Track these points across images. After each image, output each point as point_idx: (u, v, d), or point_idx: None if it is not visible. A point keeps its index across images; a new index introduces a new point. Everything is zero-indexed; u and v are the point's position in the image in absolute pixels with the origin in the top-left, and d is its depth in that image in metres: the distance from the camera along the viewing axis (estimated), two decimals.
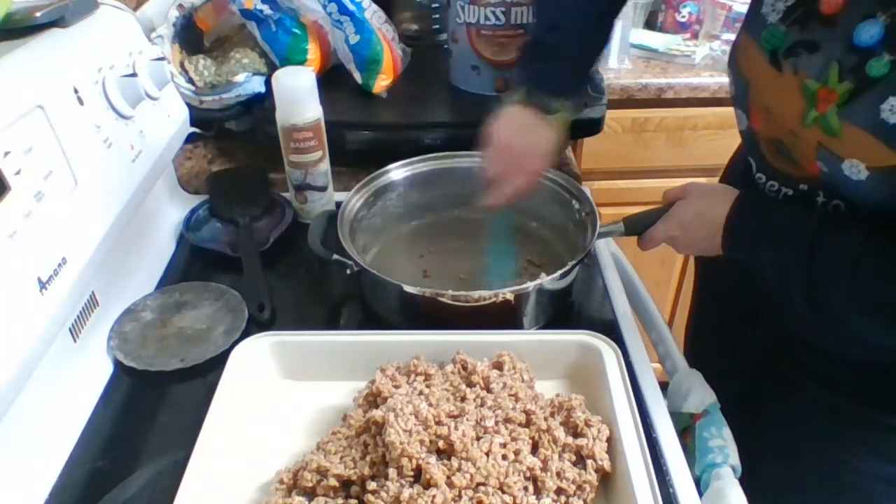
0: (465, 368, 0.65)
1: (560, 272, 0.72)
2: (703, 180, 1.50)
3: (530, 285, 0.71)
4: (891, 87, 0.54)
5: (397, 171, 0.88)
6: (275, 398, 0.67)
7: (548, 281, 0.72)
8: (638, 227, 0.76)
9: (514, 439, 0.58)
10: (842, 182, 0.60)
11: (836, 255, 0.60)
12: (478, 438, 0.57)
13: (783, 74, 0.63)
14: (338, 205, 0.96)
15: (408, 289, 0.71)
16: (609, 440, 0.59)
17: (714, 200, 0.69)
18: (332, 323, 0.81)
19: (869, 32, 0.56)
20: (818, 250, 0.61)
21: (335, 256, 0.76)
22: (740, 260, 0.69)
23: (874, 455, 0.73)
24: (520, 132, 0.76)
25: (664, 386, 0.71)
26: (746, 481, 0.62)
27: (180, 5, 0.97)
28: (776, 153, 0.68)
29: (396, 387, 0.63)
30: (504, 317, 0.72)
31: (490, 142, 0.77)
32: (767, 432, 0.80)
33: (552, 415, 0.61)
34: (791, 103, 0.62)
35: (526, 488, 0.55)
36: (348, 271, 0.75)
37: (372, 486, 0.54)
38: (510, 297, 0.70)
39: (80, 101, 0.66)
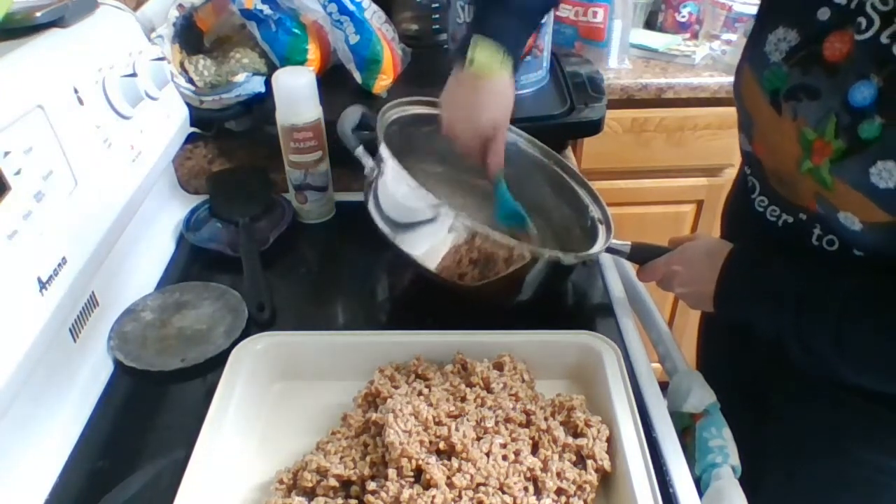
0: (464, 369, 0.65)
1: (581, 254, 0.72)
2: (702, 180, 1.51)
3: (547, 252, 0.69)
4: (881, 152, 0.53)
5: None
6: (275, 398, 0.67)
7: (565, 257, 0.70)
8: (642, 256, 0.77)
9: (514, 440, 0.58)
10: (838, 227, 0.60)
11: (822, 315, 0.61)
12: (478, 439, 0.57)
13: (782, 118, 0.62)
14: (338, 204, 0.97)
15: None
16: (609, 440, 0.59)
17: (723, 246, 0.70)
18: (332, 321, 0.81)
19: (863, 94, 0.54)
20: (806, 310, 0.61)
21: (360, 149, 0.75)
22: (732, 320, 0.71)
23: (878, 449, 0.72)
24: (476, 100, 0.75)
25: (664, 386, 0.71)
26: (748, 481, 0.62)
27: (180, 5, 0.97)
28: (778, 180, 0.68)
29: (395, 387, 0.63)
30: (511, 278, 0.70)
31: (447, 113, 0.77)
32: (772, 429, 0.80)
33: (552, 415, 0.61)
34: (788, 148, 0.62)
35: (526, 489, 0.55)
36: (367, 170, 0.73)
37: (372, 486, 0.54)
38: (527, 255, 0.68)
39: (80, 101, 0.66)
